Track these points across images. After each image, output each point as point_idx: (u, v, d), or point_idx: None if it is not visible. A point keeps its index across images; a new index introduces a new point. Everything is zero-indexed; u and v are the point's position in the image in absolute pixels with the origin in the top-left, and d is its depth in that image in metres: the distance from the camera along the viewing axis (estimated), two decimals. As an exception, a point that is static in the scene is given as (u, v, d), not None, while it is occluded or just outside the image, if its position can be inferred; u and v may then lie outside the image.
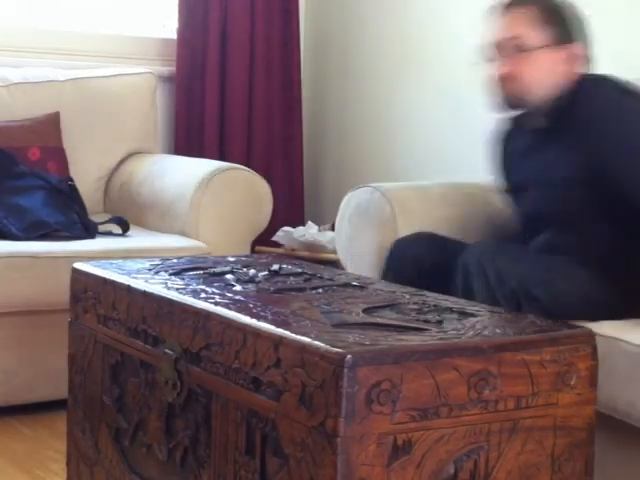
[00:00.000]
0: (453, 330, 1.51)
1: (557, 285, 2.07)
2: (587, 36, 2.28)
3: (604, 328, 1.98)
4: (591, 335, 1.56)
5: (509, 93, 2.25)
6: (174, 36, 3.86)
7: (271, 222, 3.22)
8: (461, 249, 2.17)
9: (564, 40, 2.23)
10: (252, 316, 1.56)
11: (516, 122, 2.38)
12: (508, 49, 2.23)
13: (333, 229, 2.93)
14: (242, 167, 3.21)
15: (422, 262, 2.25)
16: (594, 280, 2.11)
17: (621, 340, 1.95)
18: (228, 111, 3.88)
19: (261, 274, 1.93)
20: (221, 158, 3.74)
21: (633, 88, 2.20)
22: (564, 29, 2.24)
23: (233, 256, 2.18)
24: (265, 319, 1.54)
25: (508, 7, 2.27)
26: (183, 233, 3.05)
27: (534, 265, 2.11)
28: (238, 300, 1.68)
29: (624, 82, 2.21)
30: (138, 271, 1.95)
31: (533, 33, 2.22)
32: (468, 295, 1.99)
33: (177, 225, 3.08)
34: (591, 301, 2.09)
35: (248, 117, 3.93)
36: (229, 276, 1.91)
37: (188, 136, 3.88)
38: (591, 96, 2.19)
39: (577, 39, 2.25)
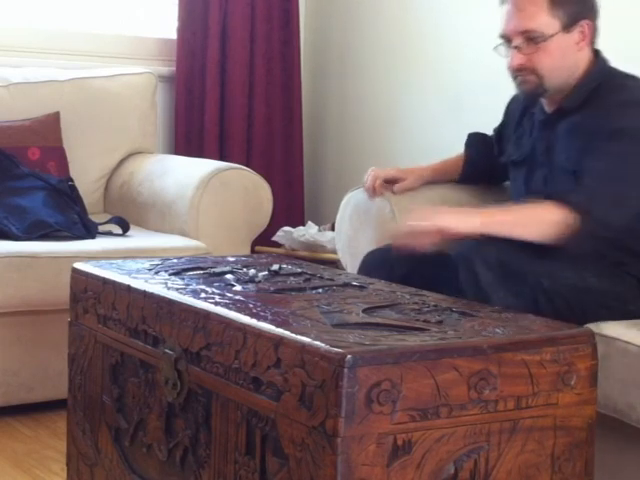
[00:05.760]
0: (453, 330, 1.51)
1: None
2: (594, 8, 2.25)
3: (604, 328, 1.98)
4: (591, 335, 1.56)
5: (526, 84, 2.25)
6: (174, 36, 3.86)
7: (271, 222, 3.22)
8: (432, 257, 2.15)
9: (573, 21, 2.20)
10: (252, 316, 1.56)
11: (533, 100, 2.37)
12: (520, 42, 2.21)
13: (333, 229, 2.93)
14: (242, 167, 3.21)
15: (392, 271, 2.23)
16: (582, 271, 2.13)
17: (621, 340, 1.95)
18: (228, 111, 3.88)
19: (261, 274, 1.93)
20: (221, 158, 3.74)
21: None
22: (572, 10, 2.20)
23: (233, 256, 2.18)
24: (265, 319, 1.54)
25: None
26: (183, 233, 3.05)
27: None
28: (238, 300, 1.68)
29: None
30: (138, 271, 1.95)
31: (543, 23, 2.19)
32: (474, 283, 2.01)
33: (177, 225, 3.08)
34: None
35: (248, 117, 3.93)
36: (229, 276, 1.91)
37: (188, 136, 3.88)
38: (622, 85, 2.20)
39: (585, 15, 2.22)
